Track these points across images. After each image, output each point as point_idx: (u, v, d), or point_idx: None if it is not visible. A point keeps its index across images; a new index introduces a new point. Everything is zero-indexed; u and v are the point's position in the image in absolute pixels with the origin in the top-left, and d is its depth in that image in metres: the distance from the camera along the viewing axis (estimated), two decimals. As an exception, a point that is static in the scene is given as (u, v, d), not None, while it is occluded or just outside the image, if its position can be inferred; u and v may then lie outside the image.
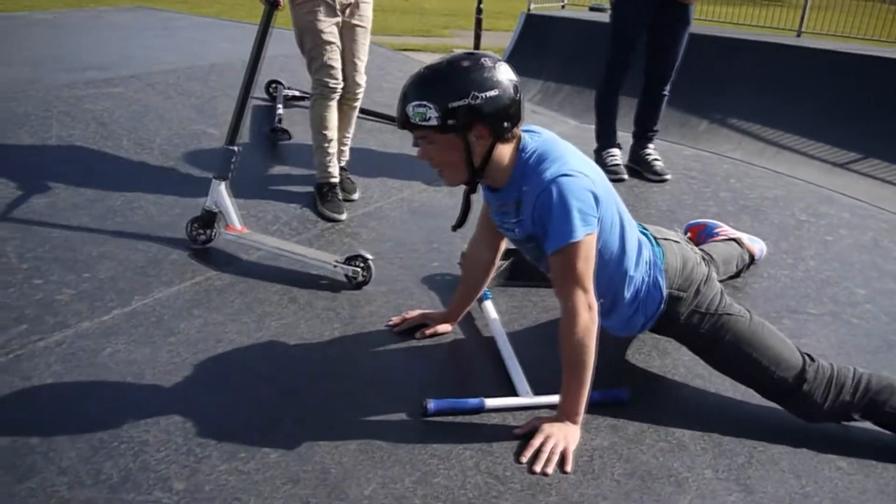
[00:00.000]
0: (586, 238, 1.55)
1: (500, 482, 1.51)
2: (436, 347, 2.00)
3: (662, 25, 3.26)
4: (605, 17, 7.58)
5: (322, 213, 2.83)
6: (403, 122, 1.58)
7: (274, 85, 3.81)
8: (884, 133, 5.76)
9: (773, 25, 8.39)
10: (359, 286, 2.29)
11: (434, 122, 1.53)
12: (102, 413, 1.66)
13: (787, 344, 1.74)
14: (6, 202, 2.54)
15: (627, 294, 1.74)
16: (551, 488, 1.50)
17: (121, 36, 5.25)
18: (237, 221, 2.44)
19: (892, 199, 4.60)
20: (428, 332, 2.03)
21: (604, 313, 1.69)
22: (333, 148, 2.83)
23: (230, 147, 2.41)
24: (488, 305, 2.17)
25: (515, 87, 1.56)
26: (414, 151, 1.66)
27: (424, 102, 1.52)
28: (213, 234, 2.47)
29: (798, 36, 7.74)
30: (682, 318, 1.77)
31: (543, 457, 1.55)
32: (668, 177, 3.47)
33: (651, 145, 3.58)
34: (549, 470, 1.54)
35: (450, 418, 1.69)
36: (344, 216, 2.82)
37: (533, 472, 1.54)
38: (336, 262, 2.28)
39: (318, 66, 2.71)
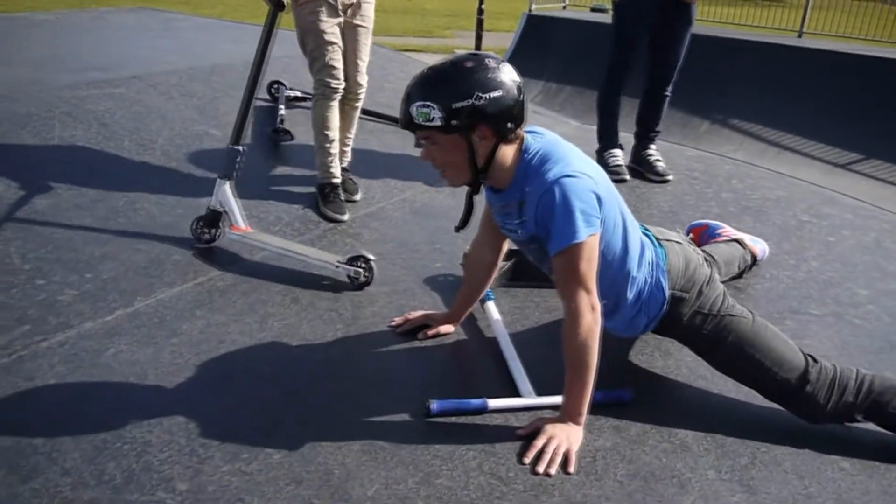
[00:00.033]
0: (589, 239, 1.55)
1: (503, 483, 1.51)
2: (438, 348, 2.00)
3: (664, 26, 3.26)
4: (606, 18, 7.61)
5: (324, 214, 2.83)
6: (407, 122, 1.58)
7: (276, 86, 3.81)
8: (885, 133, 5.76)
9: (774, 26, 8.39)
10: (361, 287, 2.29)
11: (438, 123, 1.53)
12: (105, 414, 1.66)
13: (789, 345, 1.74)
14: (8, 203, 2.55)
15: (630, 295, 1.74)
16: (554, 489, 1.50)
17: (123, 37, 5.26)
18: (242, 221, 2.44)
19: (894, 200, 4.59)
20: (430, 332, 2.03)
21: (607, 314, 1.69)
22: (335, 148, 2.83)
23: (235, 147, 2.42)
24: (491, 306, 2.17)
25: (519, 88, 1.56)
26: (416, 152, 1.67)
27: (428, 103, 1.52)
28: (218, 233, 2.47)
29: (799, 36, 7.74)
30: (685, 319, 1.77)
31: (546, 457, 1.55)
32: (669, 177, 3.46)
33: (653, 146, 3.57)
34: (552, 471, 1.54)
35: (453, 419, 1.69)
36: (346, 217, 2.82)
37: (536, 473, 1.53)
38: (338, 262, 2.28)
39: (319, 67, 2.71)
